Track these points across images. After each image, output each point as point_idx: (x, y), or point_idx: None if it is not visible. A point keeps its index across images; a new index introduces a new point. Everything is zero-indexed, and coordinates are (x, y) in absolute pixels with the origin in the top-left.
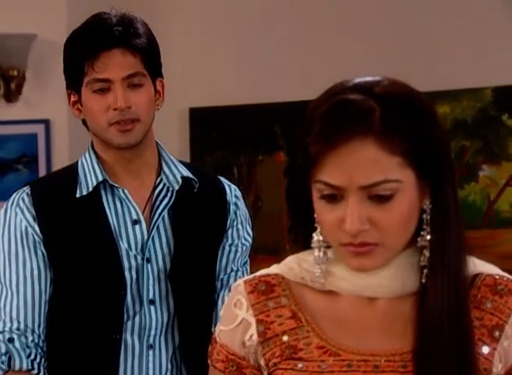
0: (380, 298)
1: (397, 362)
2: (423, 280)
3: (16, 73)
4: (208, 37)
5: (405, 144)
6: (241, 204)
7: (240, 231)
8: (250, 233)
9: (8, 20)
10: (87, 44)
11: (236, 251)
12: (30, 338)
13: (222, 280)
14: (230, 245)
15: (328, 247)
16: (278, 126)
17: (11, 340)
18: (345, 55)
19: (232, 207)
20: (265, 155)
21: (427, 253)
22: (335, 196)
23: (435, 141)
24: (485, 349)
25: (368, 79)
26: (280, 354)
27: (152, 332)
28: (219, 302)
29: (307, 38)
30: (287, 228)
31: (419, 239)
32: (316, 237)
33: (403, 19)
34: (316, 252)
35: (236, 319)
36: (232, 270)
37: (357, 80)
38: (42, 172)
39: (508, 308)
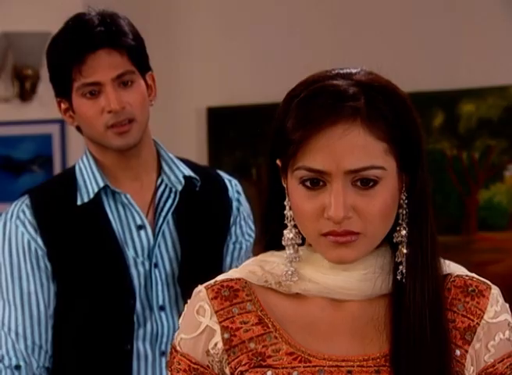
0: (350, 300)
1: (370, 367)
2: (398, 277)
3: (30, 72)
4: (225, 37)
5: (389, 131)
6: (243, 199)
7: (244, 228)
8: (253, 229)
9: (22, 18)
10: (72, 49)
11: (241, 249)
12: (35, 365)
13: None
14: (234, 243)
15: (299, 245)
16: None
17: (18, 367)
18: (362, 54)
19: (234, 203)
20: None
21: (403, 249)
22: (317, 183)
23: (414, 132)
24: (457, 352)
25: (347, 69)
26: (247, 362)
27: (164, 339)
28: None
29: (324, 38)
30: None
31: (395, 234)
32: (288, 234)
33: (422, 18)
34: (288, 250)
35: (199, 327)
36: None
37: (337, 69)
38: (57, 173)
39: (480, 309)
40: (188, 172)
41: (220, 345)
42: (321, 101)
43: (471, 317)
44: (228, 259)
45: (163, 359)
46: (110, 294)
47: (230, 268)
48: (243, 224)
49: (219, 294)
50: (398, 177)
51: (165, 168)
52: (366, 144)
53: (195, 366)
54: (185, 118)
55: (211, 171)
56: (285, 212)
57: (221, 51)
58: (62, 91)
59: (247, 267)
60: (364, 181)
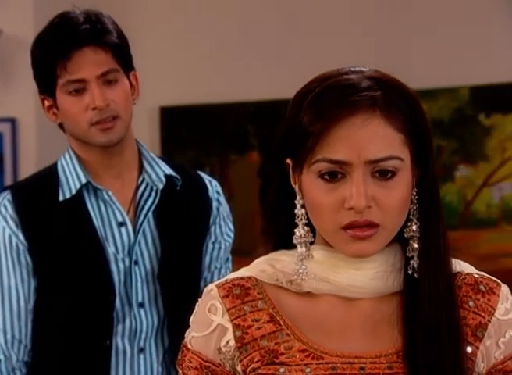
0: (361, 298)
1: (383, 363)
2: (409, 271)
3: None
4: (179, 35)
5: (405, 123)
6: (222, 199)
7: (223, 228)
8: (232, 229)
9: None
10: (57, 46)
11: (220, 249)
12: (15, 359)
13: (206, 278)
14: (213, 242)
15: (311, 243)
16: (251, 126)
17: None
18: (320, 54)
19: (214, 203)
20: (238, 155)
21: (414, 244)
22: (335, 175)
23: (425, 126)
24: (469, 349)
25: (357, 66)
26: (260, 359)
27: (143, 335)
28: None
29: (281, 37)
30: (260, 229)
31: (406, 230)
32: (299, 232)
33: (378, 18)
34: (299, 248)
35: (210, 325)
36: (215, 268)
37: (347, 67)
38: (8, 173)
39: (491, 306)
40: (169, 171)
41: (232, 343)
42: (338, 94)
43: (482, 314)
44: (207, 259)
45: (141, 356)
46: (90, 289)
47: (209, 267)
48: (223, 224)
49: (231, 292)
50: (412, 171)
51: (147, 167)
52: (386, 134)
53: (207, 364)
54: (137, 117)
55: (191, 171)
56: (295, 210)
57: (173, 50)
58: (46, 88)
59: (257, 266)
60: (382, 172)
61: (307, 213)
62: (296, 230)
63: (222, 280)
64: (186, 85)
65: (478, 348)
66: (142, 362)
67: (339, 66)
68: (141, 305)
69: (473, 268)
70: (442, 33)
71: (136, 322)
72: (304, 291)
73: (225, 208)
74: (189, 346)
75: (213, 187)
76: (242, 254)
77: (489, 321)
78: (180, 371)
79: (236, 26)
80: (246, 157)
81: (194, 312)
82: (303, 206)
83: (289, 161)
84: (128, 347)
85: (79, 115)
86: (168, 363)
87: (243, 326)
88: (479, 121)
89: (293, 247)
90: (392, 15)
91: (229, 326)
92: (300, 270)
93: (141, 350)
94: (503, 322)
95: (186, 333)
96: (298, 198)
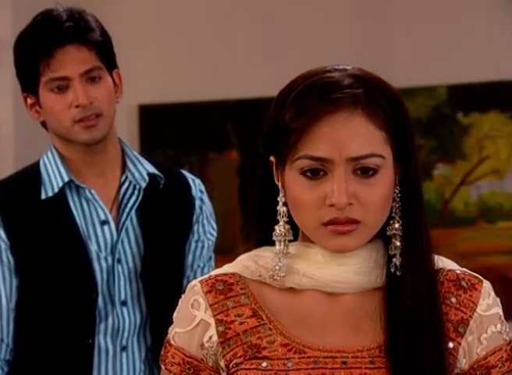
0: (344, 293)
1: (365, 358)
2: (392, 270)
3: None
4: (158, 33)
5: (387, 121)
6: (206, 198)
7: (206, 226)
8: (215, 228)
9: None
10: (40, 44)
11: (203, 247)
12: None
13: (189, 277)
14: (196, 241)
15: (290, 240)
16: (230, 124)
17: None
18: (300, 52)
19: (197, 202)
20: (217, 154)
21: (397, 242)
22: (317, 172)
23: (407, 124)
24: (450, 344)
25: (340, 65)
26: (243, 354)
27: (125, 334)
28: None
29: (260, 35)
30: (240, 227)
31: (388, 228)
32: (279, 229)
33: (358, 17)
34: (278, 245)
35: (193, 321)
36: (198, 267)
37: (330, 65)
38: None
39: (472, 302)
40: (152, 169)
41: (215, 338)
42: (320, 91)
43: (464, 310)
44: (190, 257)
45: (123, 354)
46: (72, 288)
47: (192, 266)
48: (206, 223)
49: (214, 288)
50: (394, 169)
51: (130, 165)
52: (367, 132)
53: (189, 360)
54: (116, 115)
55: (174, 169)
56: (278, 207)
57: (152, 48)
58: (29, 86)
59: (241, 262)
60: (364, 170)
61: (288, 211)
62: (276, 227)
63: (206, 275)
64: (166, 83)
65: (459, 343)
66: (124, 360)
67: (319, 64)
68: (124, 303)
69: (455, 264)
70: (420, 32)
71: (119, 320)
72: (286, 287)
73: (208, 207)
74: (172, 342)
75: (196, 185)
76: (221, 252)
77: (471, 317)
78: (163, 367)
79: (215, 24)
80: (225, 155)
81: (178, 307)
82: (285, 204)
83: (272, 158)
84: (110, 345)
85: (62, 112)
86: (151, 361)
87: (226, 322)
88: (457, 120)
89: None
90: (371, 14)
91: (212, 321)
92: (277, 267)
93: (124, 348)
94: (484, 318)
95: (170, 329)
96: (281, 195)
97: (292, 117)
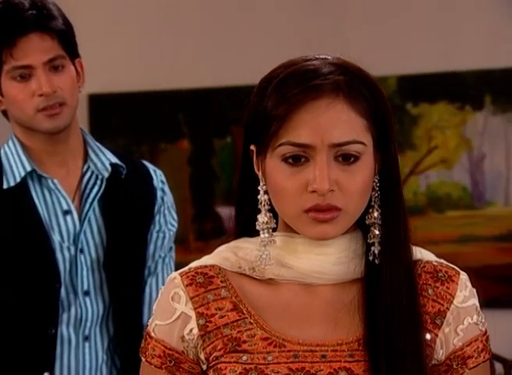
0: (323, 285)
1: (344, 351)
2: (370, 258)
3: None
4: (108, 22)
5: (367, 108)
6: (167, 189)
7: (167, 217)
8: (176, 218)
9: None
10: (2, 32)
11: (164, 238)
12: None
13: (150, 267)
14: (158, 232)
15: (273, 229)
16: (181, 114)
17: None
18: (250, 43)
19: (159, 193)
20: (168, 143)
21: (376, 231)
22: (299, 159)
23: (387, 113)
24: (428, 336)
25: (321, 54)
26: (223, 347)
27: (88, 323)
28: (147, 290)
29: (211, 26)
30: (191, 217)
31: (367, 216)
32: (262, 218)
33: (306, 9)
34: (262, 234)
35: (174, 313)
36: (159, 257)
37: (311, 55)
38: None
39: (449, 294)
40: (114, 159)
41: (195, 331)
42: (302, 78)
43: (441, 302)
44: (151, 247)
45: (86, 344)
46: (35, 278)
47: (153, 256)
48: (167, 213)
49: (194, 280)
50: (374, 157)
51: (92, 155)
52: (349, 118)
53: (170, 352)
54: None
55: (136, 160)
56: (259, 197)
57: (102, 37)
58: None
59: (220, 254)
60: (345, 157)
61: (269, 199)
62: (259, 216)
63: (186, 268)
64: (116, 72)
65: (437, 335)
66: (87, 350)
67: (268, 54)
68: (86, 293)
69: (433, 255)
70: (369, 23)
71: (82, 310)
72: (266, 279)
73: (169, 198)
74: (152, 334)
75: (157, 176)
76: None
77: (448, 309)
78: (143, 359)
79: (166, 13)
80: (176, 145)
81: (157, 300)
82: (266, 192)
83: (253, 147)
84: (73, 335)
85: (25, 101)
86: (113, 351)
87: (207, 315)
88: (406, 110)
89: (256, 235)
90: (322, 6)
91: (193, 314)
92: (263, 256)
93: (86, 338)
94: (461, 309)
95: (150, 321)
96: (261, 184)
97: (274, 104)
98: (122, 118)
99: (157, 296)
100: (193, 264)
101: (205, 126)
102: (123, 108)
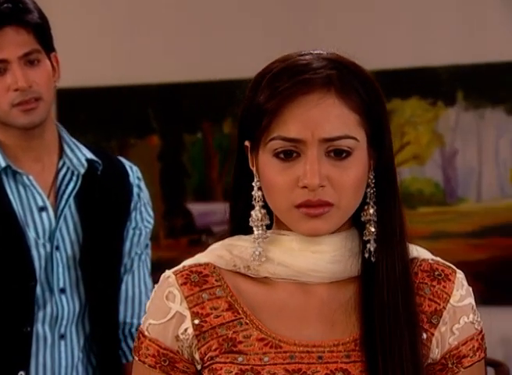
0: (318, 284)
1: (341, 352)
2: (366, 255)
3: None
4: (79, 16)
5: (360, 103)
6: (143, 185)
7: (143, 214)
8: (152, 215)
9: None
10: None
11: (140, 234)
12: None
13: (126, 264)
14: (134, 228)
15: (267, 226)
16: (151, 109)
17: None
18: (222, 37)
19: (135, 189)
20: (138, 139)
21: (371, 228)
22: (290, 154)
23: (381, 108)
24: (424, 335)
25: (315, 49)
26: (218, 347)
27: (64, 321)
28: (123, 287)
29: (182, 20)
30: (161, 214)
31: (363, 213)
32: (255, 215)
33: (280, 5)
34: (256, 231)
35: (168, 313)
36: (136, 254)
37: (304, 50)
38: None
39: (446, 293)
40: (90, 155)
41: (190, 331)
42: (293, 72)
43: (438, 301)
44: (127, 244)
45: (62, 342)
46: (10, 275)
47: (129, 253)
48: (143, 210)
49: (188, 279)
50: (368, 153)
51: (67, 150)
52: (341, 113)
53: (164, 352)
54: None
55: (112, 156)
56: (253, 193)
57: (71, 31)
58: None
59: (214, 251)
60: (337, 152)
61: (263, 196)
62: (252, 213)
63: (180, 266)
64: (85, 67)
65: (433, 334)
66: (63, 348)
67: (241, 48)
68: (62, 290)
69: (429, 253)
70: (343, 18)
71: (58, 308)
72: (261, 277)
73: (145, 194)
74: (146, 333)
75: (134, 172)
76: None
77: (444, 308)
78: (137, 358)
79: (136, 8)
80: (146, 141)
81: (151, 298)
82: (260, 188)
83: (247, 143)
84: (49, 333)
85: (0, 96)
86: (89, 349)
87: (202, 314)
88: None
89: (250, 232)
90: (297, 2)
91: (188, 314)
92: (257, 252)
93: (62, 336)
94: (457, 308)
95: (143, 319)
96: (255, 179)
97: (265, 99)
98: (91, 113)
99: (133, 293)
100: (187, 262)
101: (175, 122)
102: (92, 103)
